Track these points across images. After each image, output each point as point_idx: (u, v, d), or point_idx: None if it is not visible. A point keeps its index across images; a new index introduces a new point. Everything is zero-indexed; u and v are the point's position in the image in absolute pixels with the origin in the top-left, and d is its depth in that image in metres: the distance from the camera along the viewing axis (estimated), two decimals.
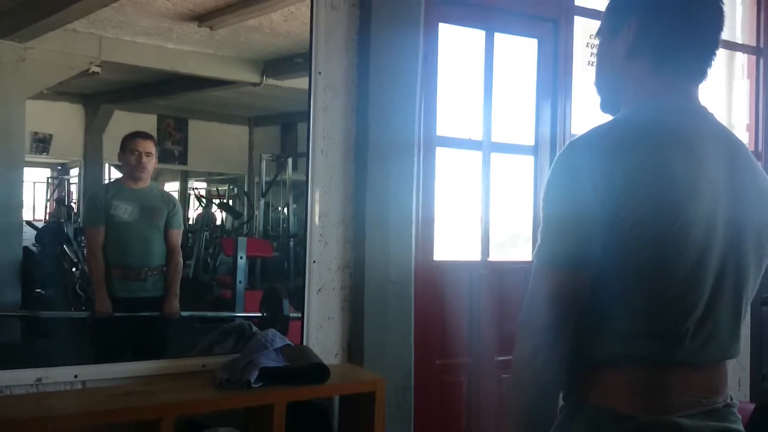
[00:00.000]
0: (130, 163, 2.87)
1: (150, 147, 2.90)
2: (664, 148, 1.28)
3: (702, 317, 1.30)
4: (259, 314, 3.02)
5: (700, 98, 1.42)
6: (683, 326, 1.28)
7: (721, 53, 3.82)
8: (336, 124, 2.64)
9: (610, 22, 1.46)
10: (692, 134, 1.32)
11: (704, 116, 1.39)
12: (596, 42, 1.52)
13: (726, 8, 1.41)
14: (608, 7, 1.48)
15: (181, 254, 2.97)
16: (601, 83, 1.49)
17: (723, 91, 4.06)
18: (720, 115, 3.86)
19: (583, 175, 1.26)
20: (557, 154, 1.34)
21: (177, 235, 2.95)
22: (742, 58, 4.13)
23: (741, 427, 1.35)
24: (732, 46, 3.98)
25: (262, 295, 3.17)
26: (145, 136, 2.93)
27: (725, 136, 1.40)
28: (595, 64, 1.51)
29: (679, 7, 1.38)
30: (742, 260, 1.34)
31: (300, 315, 2.63)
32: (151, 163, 2.90)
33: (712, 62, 1.41)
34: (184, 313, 2.92)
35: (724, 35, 1.44)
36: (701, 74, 1.41)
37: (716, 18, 1.40)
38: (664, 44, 1.38)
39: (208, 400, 2.20)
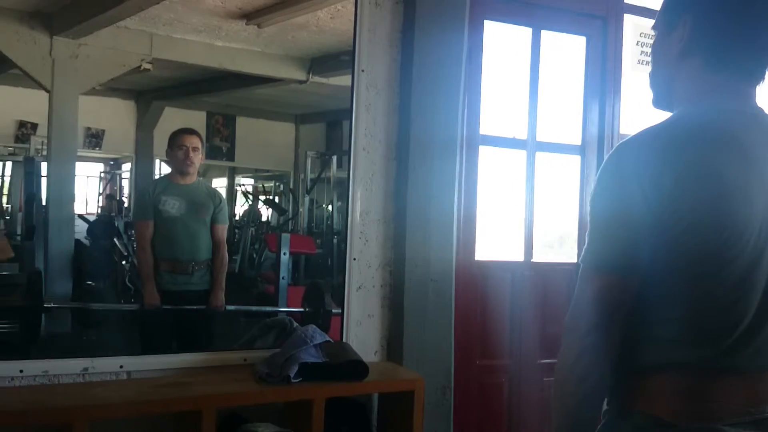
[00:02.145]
0: (177, 159, 2.93)
1: (196, 142, 2.95)
2: (716, 152, 1.25)
3: (752, 325, 1.26)
4: (302, 309, 3.05)
5: (757, 99, 1.38)
6: (733, 334, 1.25)
7: None
8: (378, 121, 2.63)
9: (666, 17, 1.42)
10: (745, 138, 1.28)
11: (760, 119, 1.35)
12: (647, 40, 1.49)
13: None
14: (664, 2, 1.44)
15: (226, 248, 3.02)
16: (654, 78, 1.46)
17: None
18: None
19: (631, 177, 1.24)
20: (607, 155, 1.32)
21: (223, 230, 3.00)
22: None
23: None
24: None
25: (305, 291, 3.21)
26: (191, 132, 2.99)
27: None
28: (651, 57, 1.48)
29: (737, 6, 1.33)
30: None
31: (341, 311, 2.64)
32: (198, 158, 2.95)
33: (765, 71, 1.37)
34: (230, 307, 2.98)
35: None
36: (759, 76, 1.37)
37: None
38: (718, 46, 1.34)
39: (248, 393, 2.23)
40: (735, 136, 1.28)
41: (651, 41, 1.48)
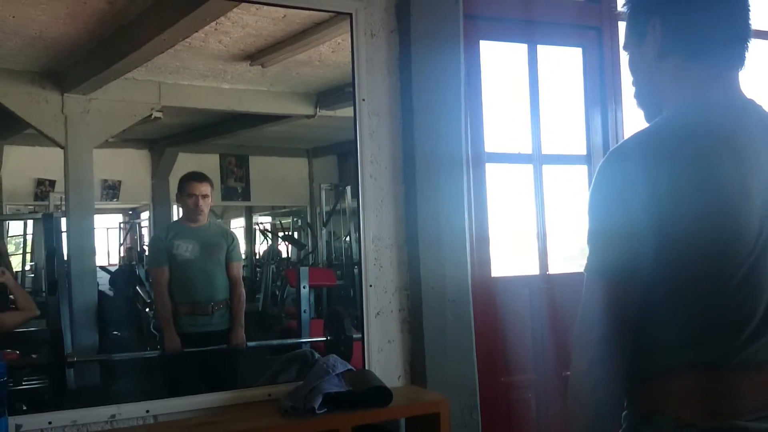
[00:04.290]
0: (187, 206, 2.98)
1: (206, 189, 2.99)
2: (709, 150, 1.25)
3: (762, 320, 1.26)
4: (324, 338, 3.07)
5: (742, 87, 1.38)
6: (744, 331, 1.25)
7: None
8: (383, 148, 2.67)
9: (633, 29, 1.43)
10: (738, 131, 1.28)
11: (749, 108, 1.35)
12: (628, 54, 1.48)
13: None
14: (627, 17, 1.45)
15: (243, 285, 3.04)
16: (639, 94, 1.46)
17: None
18: None
19: (626, 183, 1.24)
20: (601, 161, 1.32)
21: (238, 268, 3.03)
22: None
23: None
24: None
25: (325, 319, 3.23)
26: (200, 178, 3.03)
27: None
28: (630, 75, 1.47)
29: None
30: None
31: (361, 337, 2.65)
32: (208, 204, 2.99)
33: (748, 47, 1.37)
34: (251, 344, 2.99)
35: None
36: (738, 61, 1.37)
37: (742, 2, 1.36)
38: (693, 37, 1.35)
39: (274, 428, 2.24)
40: (726, 132, 1.28)
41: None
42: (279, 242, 4.54)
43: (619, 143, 1.36)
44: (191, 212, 2.98)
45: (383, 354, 2.64)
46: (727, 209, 1.22)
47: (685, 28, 1.35)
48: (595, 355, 1.26)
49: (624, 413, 1.36)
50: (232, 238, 3.11)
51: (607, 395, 1.27)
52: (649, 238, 1.22)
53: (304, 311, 3.30)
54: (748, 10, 1.37)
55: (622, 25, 3.17)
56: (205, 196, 2.98)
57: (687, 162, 1.23)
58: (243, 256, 3.44)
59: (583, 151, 3.21)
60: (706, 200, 1.22)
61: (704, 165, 1.23)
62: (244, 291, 3.03)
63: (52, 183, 3.43)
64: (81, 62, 3.07)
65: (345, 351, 2.82)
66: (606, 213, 1.28)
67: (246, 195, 4.10)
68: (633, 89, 1.47)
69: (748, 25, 1.37)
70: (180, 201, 3.04)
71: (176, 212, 3.59)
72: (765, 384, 1.26)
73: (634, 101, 1.48)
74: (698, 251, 1.23)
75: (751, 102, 1.36)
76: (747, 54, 1.37)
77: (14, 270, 3.40)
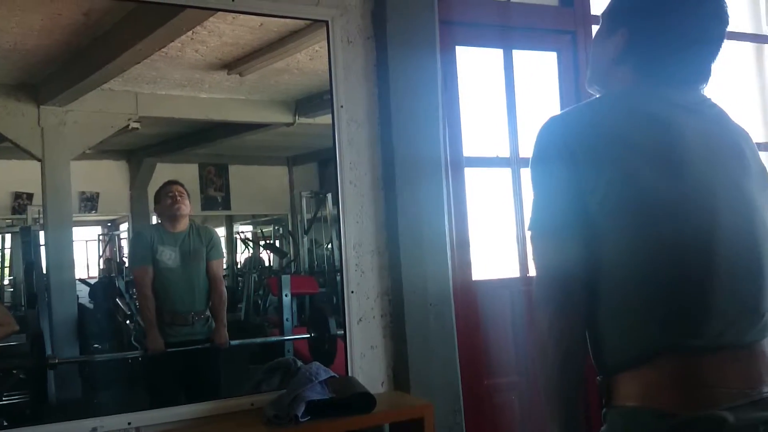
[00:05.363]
0: (166, 206, 2.96)
1: (182, 189, 2.99)
2: (638, 128, 1.32)
3: (722, 299, 1.29)
4: (308, 335, 3.06)
5: (696, 95, 1.44)
6: (703, 311, 1.28)
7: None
8: (362, 154, 2.67)
9: (608, 21, 1.50)
10: (670, 115, 1.35)
11: (690, 105, 1.40)
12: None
13: None
14: (608, 5, 1.51)
15: (224, 283, 3.03)
16: (592, 63, 1.54)
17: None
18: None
19: (556, 151, 1.33)
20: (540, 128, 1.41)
21: (218, 265, 3.02)
22: None
23: None
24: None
25: (309, 317, 3.23)
26: (174, 182, 3.03)
27: (714, 117, 1.42)
28: (593, 41, 1.57)
29: (674, 22, 1.40)
30: (756, 237, 1.34)
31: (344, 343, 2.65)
32: (186, 203, 2.98)
33: (708, 73, 1.44)
34: (234, 342, 2.97)
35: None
36: (693, 82, 1.43)
37: (716, 34, 1.42)
38: (650, 60, 1.42)
39: None
40: (657, 113, 1.35)
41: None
42: (260, 251, 4.53)
43: (559, 112, 1.44)
44: (170, 209, 2.96)
45: (366, 360, 2.64)
46: (652, 186, 1.28)
47: (645, 50, 1.42)
48: (552, 309, 1.32)
49: (603, 411, 1.38)
50: (211, 236, 3.08)
51: (570, 346, 1.32)
52: (580, 202, 1.31)
53: (287, 319, 3.29)
54: (722, 41, 1.43)
55: (596, 30, 3.22)
56: (181, 193, 2.97)
57: (610, 133, 1.32)
58: (224, 254, 3.42)
59: None
60: (631, 176, 1.28)
61: (628, 138, 1.31)
62: (225, 289, 3.02)
63: (30, 196, 3.40)
64: (57, 74, 3.05)
65: (329, 349, 2.82)
66: (541, 177, 1.37)
67: (226, 204, 4.08)
68: (591, 52, 1.56)
69: (715, 54, 1.43)
70: (158, 209, 3.03)
71: (155, 223, 3.56)
72: (738, 371, 1.29)
73: (589, 61, 1.57)
74: (634, 232, 1.29)
75: (704, 101, 1.43)
76: (705, 78, 1.44)
77: None
